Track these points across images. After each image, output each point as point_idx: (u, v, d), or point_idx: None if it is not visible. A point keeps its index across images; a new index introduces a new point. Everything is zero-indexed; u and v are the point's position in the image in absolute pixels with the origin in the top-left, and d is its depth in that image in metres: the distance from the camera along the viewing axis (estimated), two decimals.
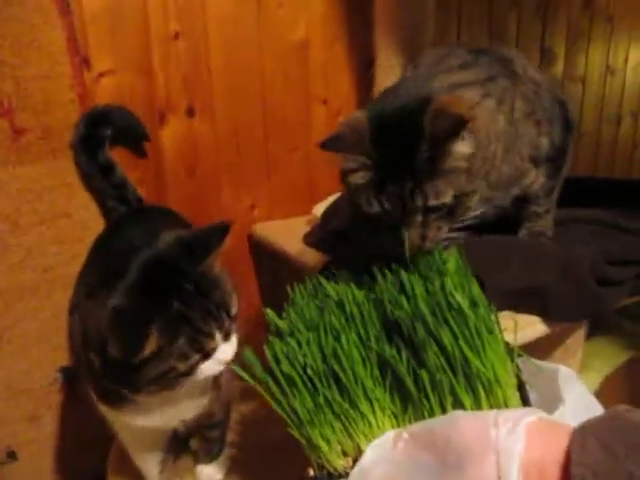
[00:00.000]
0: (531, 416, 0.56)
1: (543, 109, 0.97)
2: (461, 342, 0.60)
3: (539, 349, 1.10)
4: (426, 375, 0.62)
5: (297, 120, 1.66)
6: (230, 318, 0.76)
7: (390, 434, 0.65)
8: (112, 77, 1.37)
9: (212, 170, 1.55)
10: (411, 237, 0.76)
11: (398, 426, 0.67)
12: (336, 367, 0.65)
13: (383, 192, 0.76)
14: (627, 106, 2.62)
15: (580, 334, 1.16)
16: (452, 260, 0.69)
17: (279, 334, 0.72)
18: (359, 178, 0.78)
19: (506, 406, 0.62)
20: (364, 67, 1.67)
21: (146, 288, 0.70)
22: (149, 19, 1.38)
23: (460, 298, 0.62)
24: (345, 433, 0.68)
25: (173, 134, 1.47)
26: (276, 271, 1.51)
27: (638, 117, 2.67)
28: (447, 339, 0.61)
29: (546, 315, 0.92)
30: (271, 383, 0.67)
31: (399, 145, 0.75)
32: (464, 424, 0.57)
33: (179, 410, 0.85)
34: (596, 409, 0.70)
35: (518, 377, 0.66)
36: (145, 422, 0.83)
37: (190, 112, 1.49)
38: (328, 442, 0.68)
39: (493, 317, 0.65)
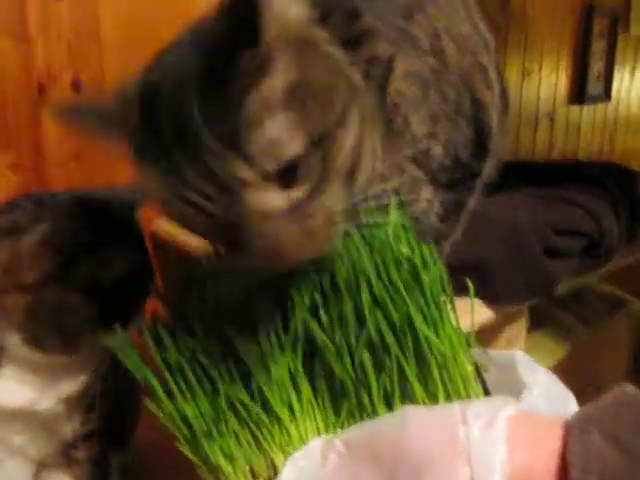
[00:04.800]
0: (508, 407, 0.41)
1: (443, 99, 0.64)
2: (412, 311, 0.44)
3: (479, 340, 0.99)
4: (368, 357, 0.45)
5: None
6: None
7: (317, 444, 0.48)
8: None
9: (102, 154, 1.33)
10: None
11: (327, 433, 0.50)
12: (242, 354, 0.47)
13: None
14: (543, 108, 2.63)
15: (522, 323, 1.05)
16: (394, 211, 0.53)
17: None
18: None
19: (467, 394, 0.47)
20: None
21: None
22: None
23: (410, 253, 0.46)
24: (255, 446, 0.50)
25: None
26: (181, 269, 1.33)
27: (554, 119, 2.68)
28: (395, 308, 0.45)
29: (490, 296, 0.79)
30: (151, 379, 0.49)
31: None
32: (420, 423, 0.41)
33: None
34: (566, 395, 0.56)
35: (474, 363, 0.52)
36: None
37: (76, 86, 1.28)
38: (231, 460, 0.50)
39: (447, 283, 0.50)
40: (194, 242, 1.19)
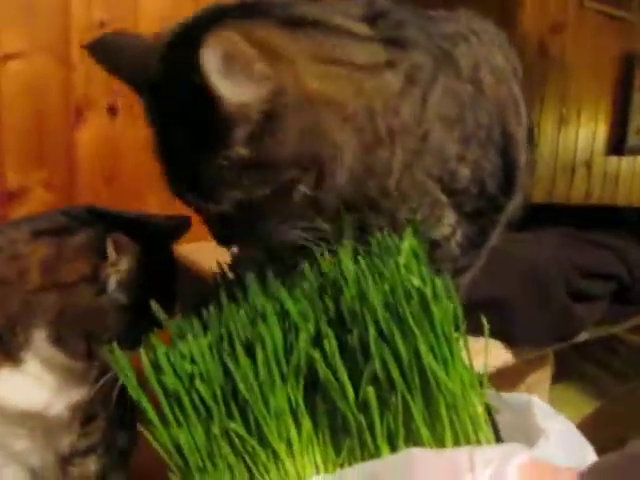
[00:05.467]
0: (520, 455, 0.38)
1: (477, 124, 0.64)
2: (420, 345, 0.42)
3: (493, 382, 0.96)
4: (373, 393, 0.43)
5: None
6: None
7: None
8: (22, 61, 1.19)
9: (134, 179, 1.35)
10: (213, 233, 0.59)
11: (327, 471, 0.47)
12: (240, 384, 0.45)
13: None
14: (580, 156, 2.59)
15: (546, 371, 1.00)
16: (408, 239, 0.51)
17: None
18: None
19: (476, 438, 0.44)
20: None
21: None
22: (70, 1, 1.21)
23: (422, 285, 0.44)
24: None
25: (91, 134, 1.29)
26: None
27: (592, 167, 2.64)
28: (402, 342, 0.43)
29: (508, 336, 0.76)
30: (145, 403, 0.47)
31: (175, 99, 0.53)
32: (425, 469, 0.39)
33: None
34: (584, 446, 0.53)
35: (486, 405, 0.49)
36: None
37: (112, 110, 1.30)
38: None
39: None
40: (206, 265, 1.18)
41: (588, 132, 2.59)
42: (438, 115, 0.60)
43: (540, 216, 0.85)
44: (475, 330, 0.52)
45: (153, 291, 0.63)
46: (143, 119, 1.34)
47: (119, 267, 0.63)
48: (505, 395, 0.55)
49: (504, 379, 0.92)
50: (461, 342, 0.47)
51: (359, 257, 0.50)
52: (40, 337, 0.62)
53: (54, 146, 1.24)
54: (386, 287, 0.45)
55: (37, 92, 1.21)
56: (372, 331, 0.44)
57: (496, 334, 0.77)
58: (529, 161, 0.75)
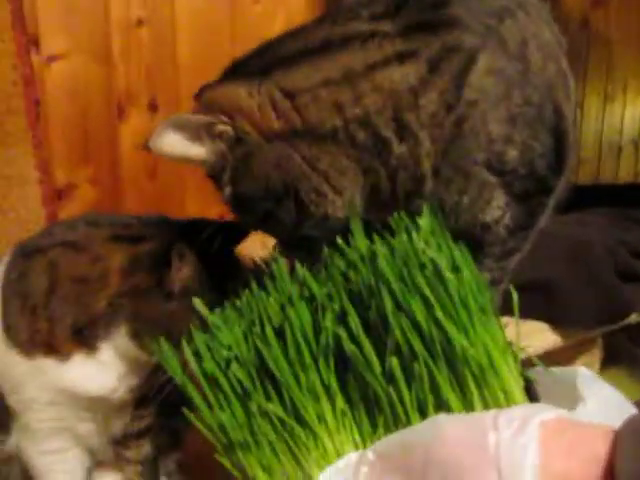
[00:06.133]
0: (547, 413, 0.39)
1: (526, 101, 0.61)
2: (438, 313, 0.43)
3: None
4: (397, 364, 0.44)
5: None
6: None
7: (352, 457, 0.46)
8: (64, 62, 1.23)
9: (176, 173, 1.38)
10: None
11: (365, 446, 0.48)
12: (272, 366, 0.46)
13: None
14: (627, 134, 2.50)
15: (594, 355, 0.98)
16: (425, 217, 0.51)
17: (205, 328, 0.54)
18: None
19: (508, 404, 0.44)
20: None
21: None
22: (109, 1, 1.24)
23: (435, 255, 0.45)
24: (292, 460, 0.49)
25: (133, 130, 1.32)
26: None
27: (639, 146, 2.55)
28: (420, 311, 0.43)
29: (555, 317, 0.75)
30: (190, 388, 0.49)
31: None
32: (450, 432, 0.40)
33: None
34: (629, 409, 0.52)
35: (524, 376, 0.49)
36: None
37: (153, 107, 1.34)
38: (269, 473, 0.49)
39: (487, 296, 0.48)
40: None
41: (635, 109, 2.50)
42: (481, 95, 0.59)
43: (584, 197, 0.83)
44: (522, 312, 0.52)
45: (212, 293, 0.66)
46: None
47: (181, 275, 0.66)
48: (553, 369, 0.55)
49: (551, 363, 0.91)
50: (490, 313, 0.47)
51: (373, 235, 0.51)
52: (119, 333, 0.66)
53: (98, 143, 1.28)
54: (399, 262, 0.46)
55: (80, 91, 1.25)
56: (388, 302, 0.45)
57: (543, 316, 0.76)
58: (574, 138, 0.73)
